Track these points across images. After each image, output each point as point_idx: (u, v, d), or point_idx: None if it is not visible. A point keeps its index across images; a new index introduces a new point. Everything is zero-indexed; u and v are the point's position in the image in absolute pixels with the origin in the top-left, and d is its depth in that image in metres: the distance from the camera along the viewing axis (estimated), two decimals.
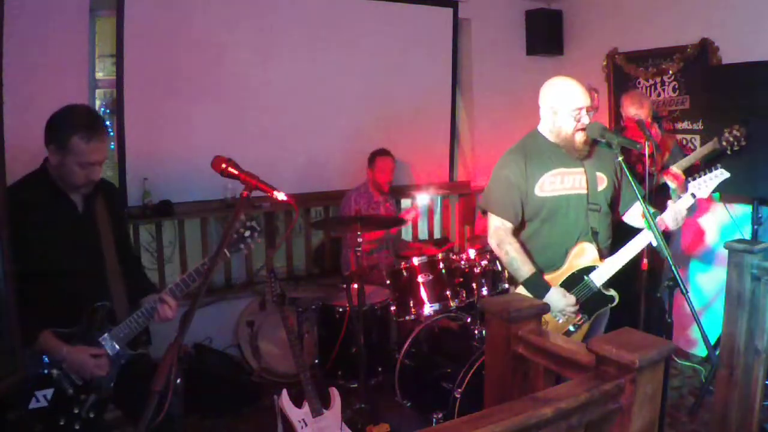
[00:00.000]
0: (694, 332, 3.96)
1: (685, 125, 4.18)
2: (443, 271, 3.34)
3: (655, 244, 2.27)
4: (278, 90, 4.14)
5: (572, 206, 2.49)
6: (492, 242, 2.55)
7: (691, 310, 2.12)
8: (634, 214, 2.61)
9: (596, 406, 1.33)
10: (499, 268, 3.31)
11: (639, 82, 4.45)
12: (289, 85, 4.17)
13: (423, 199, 4.59)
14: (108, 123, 3.51)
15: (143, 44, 3.62)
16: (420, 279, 3.31)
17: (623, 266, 2.46)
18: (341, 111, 4.40)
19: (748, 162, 3.15)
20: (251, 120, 4.08)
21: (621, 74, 4.58)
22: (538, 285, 2.42)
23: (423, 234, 5.02)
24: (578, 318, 2.47)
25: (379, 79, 4.52)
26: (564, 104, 2.43)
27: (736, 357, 2.33)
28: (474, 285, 3.32)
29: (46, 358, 2.00)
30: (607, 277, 2.47)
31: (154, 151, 3.78)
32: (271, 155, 4.05)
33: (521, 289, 2.48)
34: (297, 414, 2.70)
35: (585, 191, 2.50)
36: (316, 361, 3.54)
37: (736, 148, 3.14)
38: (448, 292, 3.31)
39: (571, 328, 2.48)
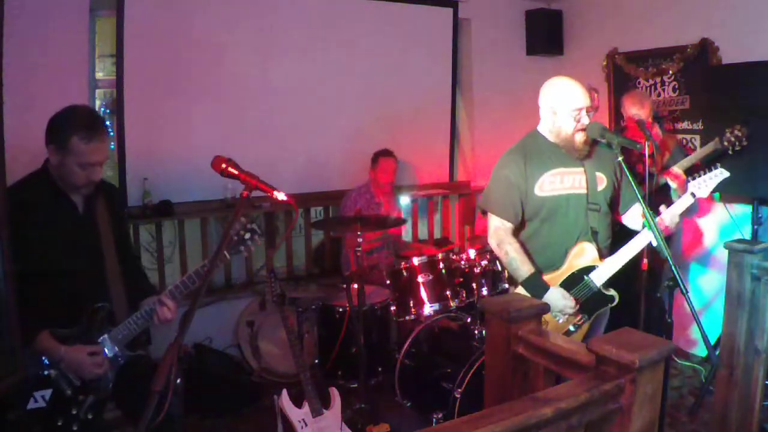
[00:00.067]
0: (694, 332, 3.96)
1: (685, 125, 4.18)
2: (443, 271, 3.34)
3: (655, 244, 2.27)
4: (278, 90, 4.14)
5: (572, 206, 2.49)
6: (492, 242, 2.55)
7: (691, 310, 2.12)
8: (632, 217, 2.61)
9: (596, 406, 1.33)
10: (499, 268, 3.31)
11: (639, 82, 4.45)
12: (289, 85, 4.17)
13: (405, 200, 4.61)
14: (108, 123, 3.51)
15: (143, 44, 3.62)
16: (420, 279, 3.31)
17: (623, 266, 2.46)
18: (341, 111, 4.40)
19: (748, 162, 3.14)
20: (251, 120, 4.08)
21: (621, 74, 4.58)
22: (537, 285, 2.42)
23: (423, 234, 5.02)
24: (578, 318, 2.47)
25: (379, 79, 4.52)
26: (564, 104, 2.43)
27: (736, 357, 2.33)
28: (474, 285, 3.32)
29: (46, 359, 2.00)
30: (607, 277, 2.47)
31: (154, 151, 3.78)
32: (271, 155, 4.05)
33: (520, 289, 2.48)
34: (297, 414, 2.70)
35: (585, 191, 2.50)
36: (316, 361, 3.54)
37: (737, 148, 3.13)
38: (448, 292, 3.31)
39: (571, 328, 2.48)
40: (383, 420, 3.01)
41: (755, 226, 3.44)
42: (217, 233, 4.23)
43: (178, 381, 1.60)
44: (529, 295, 2.36)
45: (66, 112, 2.07)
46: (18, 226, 1.80)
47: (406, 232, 4.85)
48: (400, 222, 3.80)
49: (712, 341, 2.53)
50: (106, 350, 2.10)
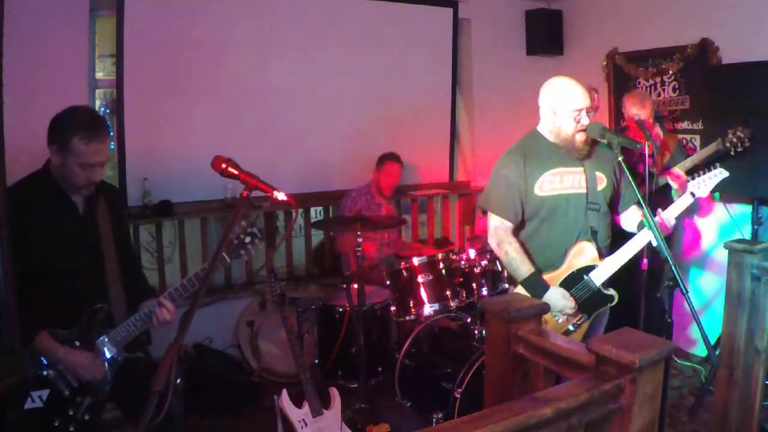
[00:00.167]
0: (694, 332, 3.96)
1: (685, 125, 4.18)
2: (443, 271, 3.34)
3: (655, 244, 2.27)
4: (278, 90, 4.14)
5: (571, 205, 2.49)
6: (492, 242, 2.55)
7: (691, 310, 2.12)
8: (628, 218, 2.61)
9: (596, 406, 1.33)
10: (499, 268, 3.31)
11: (639, 82, 4.45)
12: (289, 85, 4.17)
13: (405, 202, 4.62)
14: (108, 123, 3.51)
15: (143, 44, 3.62)
16: (420, 279, 3.32)
17: (623, 266, 2.46)
18: (341, 111, 4.40)
19: (748, 162, 3.14)
20: (251, 120, 4.08)
21: (621, 74, 4.58)
22: (536, 285, 2.43)
23: (423, 234, 5.02)
24: (577, 317, 2.47)
25: (379, 79, 4.52)
26: (564, 105, 2.44)
27: (736, 357, 2.33)
28: (474, 285, 3.32)
29: (45, 360, 2.01)
30: (607, 277, 2.47)
31: (154, 151, 3.78)
32: (271, 155, 4.04)
33: (520, 289, 2.48)
34: (297, 414, 2.70)
35: (584, 191, 2.50)
36: (316, 361, 3.54)
37: (739, 149, 3.12)
38: (448, 292, 3.31)
39: (571, 328, 2.48)
40: (383, 420, 3.01)
41: (755, 226, 3.44)
42: (217, 233, 4.23)
43: (178, 381, 1.60)
44: (528, 294, 2.36)
45: (67, 113, 2.07)
46: (18, 226, 1.80)
47: (406, 233, 4.85)
48: (400, 222, 3.80)
49: (712, 341, 2.53)
50: (105, 352, 2.09)
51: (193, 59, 3.82)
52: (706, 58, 3.94)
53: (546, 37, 4.99)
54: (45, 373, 2.00)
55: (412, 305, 3.31)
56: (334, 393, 2.85)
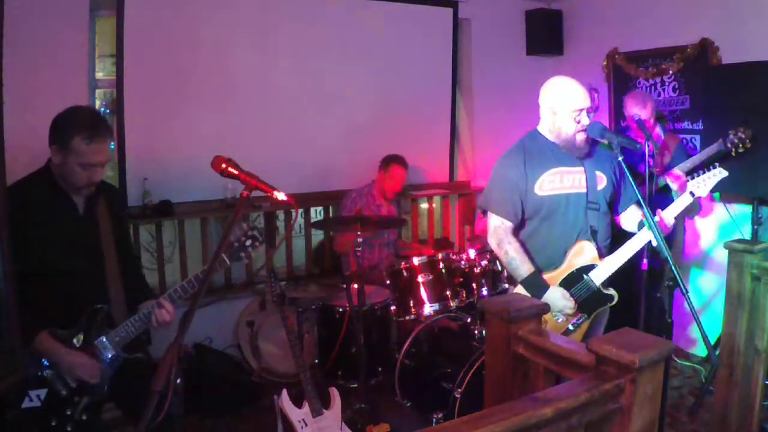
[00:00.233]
0: (694, 332, 3.96)
1: (685, 125, 4.18)
2: (443, 271, 3.34)
3: (655, 244, 2.27)
4: (278, 90, 4.14)
5: (571, 205, 2.49)
6: (492, 242, 2.55)
7: (691, 310, 2.12)
8: (630, 219, 2.61)
9: (596, 406, 1.33)
10: (499, 268, 3.31)
11: (639, 82, 4.45)
12: (289, 85, 4.17)
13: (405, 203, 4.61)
14: (109, 123, 3.51)
15: (143, 44, 3.62)
16: (420, 279, 3.32)
17: (623, 266, 2.46)
18: (341, 111, 4.40)
19: (748, 162, 3.14)
20: (251, 120, 4.07)
21: (621, 74, 4.58)
22: (536, 284, 2.43)
23: (423, 234, 5.02)
24: (577, 317, 2.47)
25: (379, 79, 4.52)
26: (564, 105, 2.44)
27: (736, 357, 2.34)
28: (474, 285, 3.32)
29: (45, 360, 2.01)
30: (606, 276, 2.47)
31: (154, 151, 3.78)
32: (271, 155, 4.04)
33: (520, 289, 2.48)
34: (297, 414, 2.70)
35: (584, 190, 2.50)
36: (316, 361, 3.54)
37: (740, 150, 3.12)
38: (448, 292, 3.31)
39: (570, 327, 2.48)
40: (383, 420, 3.01)
41: (755, 226, 3.44)
42: (217, 233, 4.23)
43: (178, 381, 1.60)
44: (528, 294, 2.36)
45: (69, 113, 2.07)
46: (18, 226, 1.80)
47: (406, 233, 4.85)
48: (400, 222, 3.80)
49: (712, 341, 2.54)
50: (104, 352, 2.09)
51: (194, 59, 3.82)
52: (706, 58, 3.94)
53: (546, 37, 4.99)
54: (43, 372, 2.00)
55: (412, 305, 3.31)
56: (334, 393, 2.85)
